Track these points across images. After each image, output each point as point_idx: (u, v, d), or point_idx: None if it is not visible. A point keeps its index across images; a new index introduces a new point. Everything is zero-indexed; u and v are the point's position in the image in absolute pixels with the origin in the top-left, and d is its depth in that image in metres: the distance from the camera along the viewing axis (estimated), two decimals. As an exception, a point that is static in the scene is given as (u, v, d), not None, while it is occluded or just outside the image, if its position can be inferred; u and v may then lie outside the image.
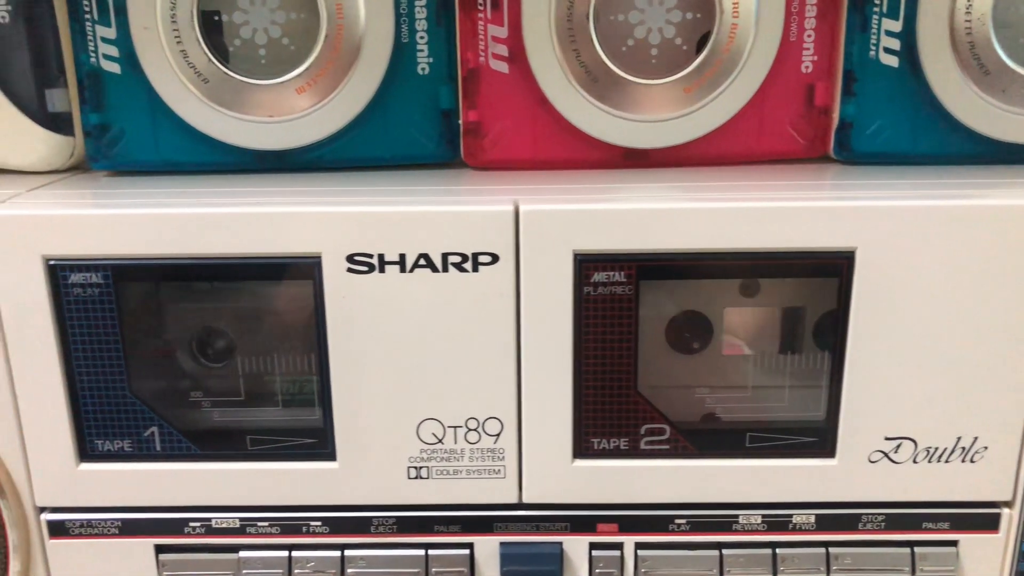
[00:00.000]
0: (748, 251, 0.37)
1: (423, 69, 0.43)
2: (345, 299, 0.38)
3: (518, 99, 0.43)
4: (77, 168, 0.46)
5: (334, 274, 0.37)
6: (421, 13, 0.42)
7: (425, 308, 0.38)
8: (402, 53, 0.42)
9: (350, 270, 0.37)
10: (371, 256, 0.37)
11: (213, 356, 0.40)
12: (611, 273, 0.37)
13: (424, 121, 0.44)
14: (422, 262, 0.37)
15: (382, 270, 0.37)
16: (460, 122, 0.44)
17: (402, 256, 0.37)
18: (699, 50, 0.42)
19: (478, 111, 0.43)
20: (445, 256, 0.37)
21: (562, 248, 0.37)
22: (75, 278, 0.38)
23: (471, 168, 0.45)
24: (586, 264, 0.37)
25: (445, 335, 0.38)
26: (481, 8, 0.41)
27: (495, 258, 0.37)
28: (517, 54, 0.42)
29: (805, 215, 0.37)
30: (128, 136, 0.43)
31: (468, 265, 0.37)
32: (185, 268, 0.38)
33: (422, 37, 0.42)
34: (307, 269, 0.38)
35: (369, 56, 0.42)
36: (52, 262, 0.37)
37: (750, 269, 0.38)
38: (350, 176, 0.44)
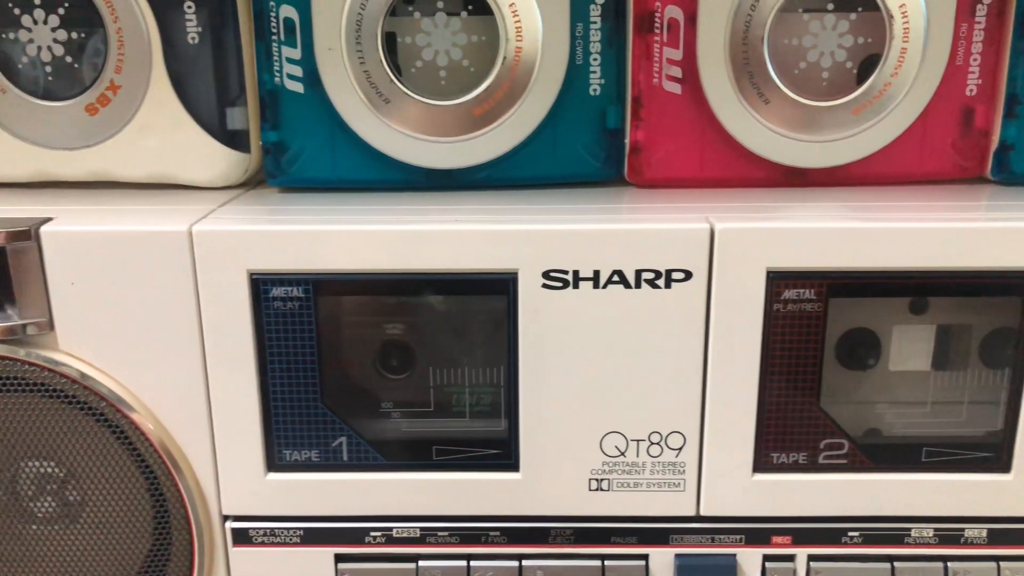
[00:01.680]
0: (929, 270, 0.38)
1: (594, 90, 0.44)
2: (538, 314, 0.39)
3: (688, 119, 0.44)
4: (247, 184, 0.47)
5: (529, 289, 0.38)
6: (595, 36, 0.43)
7: (616, 323, 0.39)
8: (575, 74, 0.44)
9: (545, 286, 0.38)
10: (566, 272, 0.38)
11: (405, 368, 0.41)
12: (801, 291, 0.38)
13: (591, 140, 0.45)
14: (616, 278, 0.38)
15: (576, 286, 0.38)
16: (626, 141, 0.45)
17: (596, 272, 0.38)
18: (862, 71, 0.43)
19: (646, 130, 0.44)
20: (639, 273, 0.38)
21: (755, 265, 0.38)
22: (276, 292, 0.39)
23: (632, 186, 0.46)
24: (778, 281, 0.38)
25: (634, 350, 0.39)
26: (658, 32, 0.43)
27: (688, 275, 0.38)
28: (690, 75, 0.43)
29: (995, 235, 0.38)
30: (307, 153, 0.44)
31: (661, 282, 0.38)
32: (384, 283, 0.39)
33: (595, 59, 0.44)
34: (503, 284, 0.39)
35: (544, 78, 0.43)
36: (256, 276, 0.39)
37: (932, 288, 0.39)
38: (517, 194, 0.45)
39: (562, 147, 0.45)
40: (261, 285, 0.39)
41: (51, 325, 0.39)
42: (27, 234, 0.38)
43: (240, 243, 0.38)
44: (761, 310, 0.38)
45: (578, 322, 0.39)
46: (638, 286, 0.38)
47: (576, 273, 0.38)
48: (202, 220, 0.39)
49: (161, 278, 0.39)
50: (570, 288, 0.38)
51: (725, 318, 0.39)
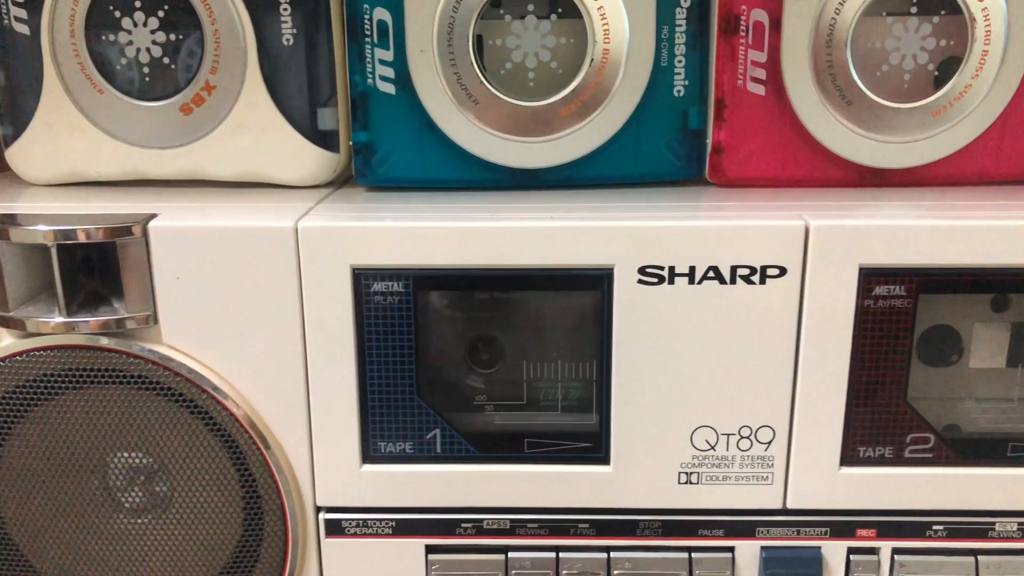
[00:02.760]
0: (1016, 267, 0.39)
1: (678, 91, 0.45)
2: (633, 309, 0.39)
3: (770, 120, 0.45)
4: (333, 184, 0.48)
5: (625, 285, 0.39)
6: (680, 38, 0.44)
7: (710, 319, 0.40)
8: (660, 76, 0.45)
9: (640, 281, 0.39)
10: (662, 268, 0.39)
11: (499, 362, 0.42)
12: (892, 287, 0.39)
13: (674, 140, 0.46)
14: (711, 274, 0.39)
15: (671, 282, 0.39)
16: (708, 141, 0.46)
17: (692, 268, 0.39)
18: (941, 73, 0.44)
19: (729, 131, 0.45)
20: (734, 269, 0.39)
21: (848, 262, 0.39)
22: (377, 286, 0.40)
23: (712, 185, 0.47)
24: (870, 278, 0.39)
25: (726, 345, 0.40)
26: (743, 34, 0.44)
27: (783, 271, 0.39)
28: (773, 77, 0.44)
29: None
30: (396, 153, 0.45)
31: (756, 278, 0.39)
32: (482, 278, 0.40)
33: (679, 61, 0.45)
34: (598, 280, 0.40)
35: (630, 79, 0.44)
36: (358, 271, 0.40)
37: (1017, 285, 0.40)
38: (599, 193, 0.46)
39: (645, 147, 0.46)
40: (363, 280, 0.40)
41: (155, 319, 0.40)
42: (135, 229, 0.39)
43: (344, 239, 0.39)
44: (852, 306, 0.39)
45: (672, 317, 0.40)
46: (733, 282, 0.39)
47: (672, 269, 0.39)
48: (305, 216, 0.40)
49: (266, 273, 0.40)
50: (665, 284, 0.39)
51: (817, 314, 0.39)
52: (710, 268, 0.39)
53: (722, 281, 0.39)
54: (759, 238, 0.39)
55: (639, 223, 0.39)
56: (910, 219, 0.39)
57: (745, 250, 0.39)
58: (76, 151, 0.46)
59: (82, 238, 0.39)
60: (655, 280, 0.39)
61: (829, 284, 0.39)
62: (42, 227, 0.39)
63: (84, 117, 0.46)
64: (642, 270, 0.39)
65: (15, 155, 0.47)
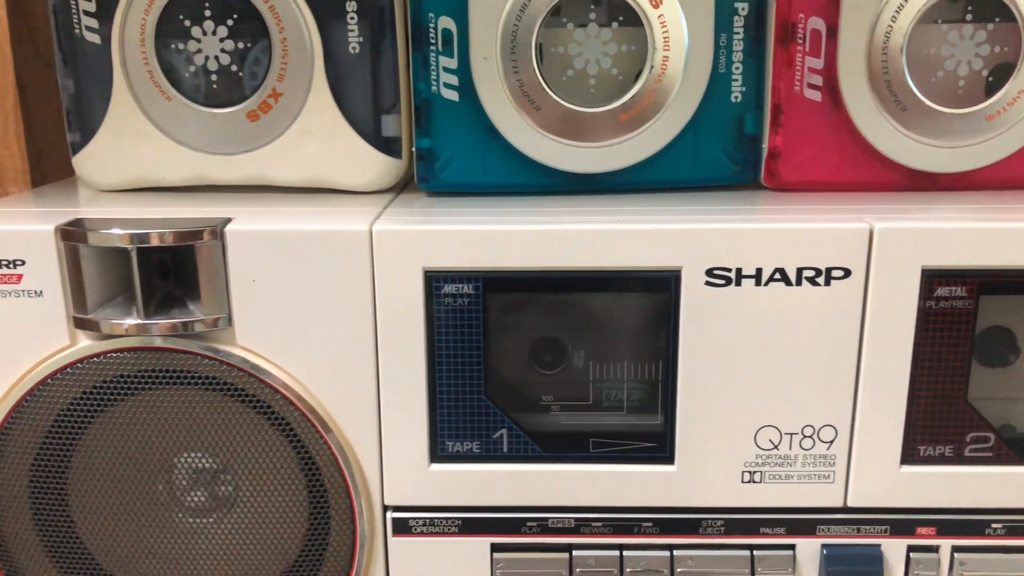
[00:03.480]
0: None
1: (735, 97, 0.46)
2: (700, 311, 0.40)
3: (827, 125, 0.46)
4: (393, 190, 0.49)
5: (692, 287, 0.40)
6: (738, 46, 0.45)
7: (775, 320, 0.40)
8: (717, 82, 0.45)
9: (708, 283, 0.40)
10: (729, 270, 0.40)
11: (565, 363, 0.42)
12: (954, 288, 0.40)
13: (731, 146, 0.47)
14: (777, 276, 0.40)
15: (738, 283, 0.40)
16: (764, 146, 0.46)
17: (758, 270, 0.40)
18: (994, 79, 0.45)
19: (785, 136, 0.46)
20: (800, 270, 0.40)
21: (911, 264, 0.39)
22: (448, 288, 0.41)
23: (766, 190, 0.48)
24: (932, 279, 0.40)
25: (791, 345, 0.41)
26: (800, 42, 0.44)
27: (847, 272, 0.40)
28: (829, 83, 0.45)
29: None
30: (459, 159, 0.46)
31: (821, 279, 0.40)
32: (551, 280, 0.41)
33: (737, 68, 0.45)
34: (666, 282, 0.40)
35: (688, 85, 0.45)
36: (430, 273, 0.40)
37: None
38: (655, 197, 0.46)
39: (702, 152, 0.46)
40: (434, 282, 0.41)
41: (229, 321, 0.41)
42: (212, 233, 0.40)
43: (417, 242, 0.40)
44: (915, 307, 0.40)
45: (738, 319, 0.40)
46: (799, 283, 0.40)
47: (739, 271, 0.40)
48: (378, 220, 0.41)
49: (340, 275, 0.40)
50: (732, 285, 0.40)
51: (880, 315, 0.40)
52: (776, 270, 0.40)
53: (788, 283, 0.40)
54: (825, 240, 0.39)
55: (707, 225, 0.40)
56: (971, 222, 0.39)
57: (811, 252, 0.40)
58: (143, 157, 0.47)
59: (161, 241, 0.40)
60: (722, 282, 0.40)
61: (892, 285, 0.40)
62: (121, 231, 0.40)
63: (152, 124, 0.47)
64: (709, 272, 0.40)
65: (82, 161, 0.48)
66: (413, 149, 0.47)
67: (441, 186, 0.47)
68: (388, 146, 0.47)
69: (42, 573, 0.45)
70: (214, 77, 0.46)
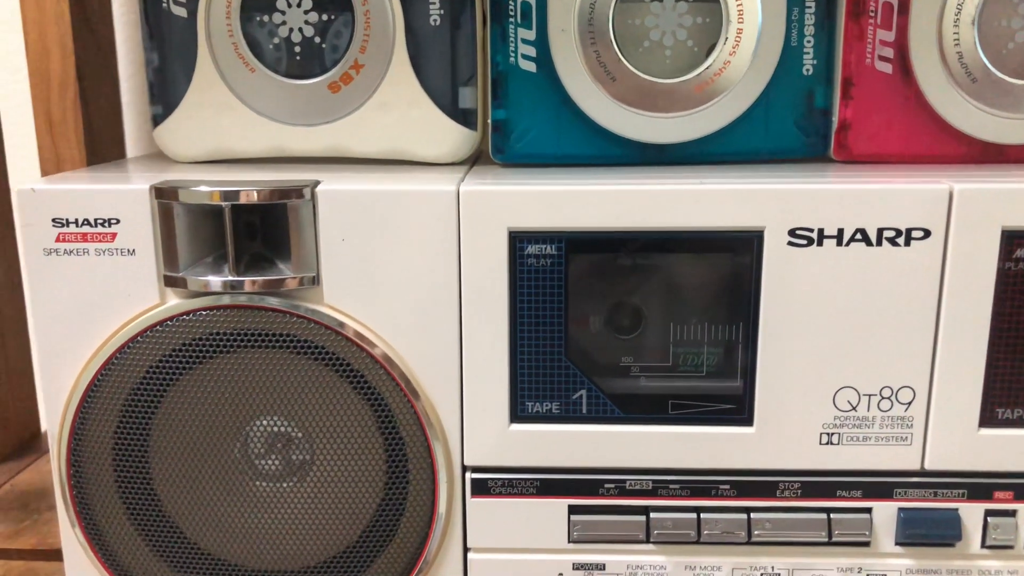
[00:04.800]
0: None
1: (807, 70, 0.47)
2: (782, 271, 0.41)
3: (897, 97, 0.46)
4: (466, 162, 0.50)
5: (775, 247, 0.41)
6: (810, 19, 0.46)
7: (855, 280, 0.41)
8: (789, 55, 0.46)
9: (790, 243, 0.41)
10: (811, 230, 0.41)
11: (646, 325, 0.43)
12: (1033, 249, 0.41)
13: (802, 118, 0.47)
14: (858, 236, 0.40)
15: (820, 244, 0.41)
16: (834, 119, 0.47)
17: (840, 231, 0.40)
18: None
19: (855, 108, 0.47)
20: (880, 231, 0.40)
21: (991, 224, 0.40)
22: (532, 249, 0.42)
23: (836, 162, 0.48)
24: (1012, 240, 0.40)
25: (871, 306, 0.41)
26: (872, 15, 0.45)
27: (927, 233, 0.40)
28: (900, 56, 0.46)
29: None
30: (534, 130, 0.47)
31: (901, 240, 0.40)
32: (633, 240, 0.42)
33: (808, 41, 0.46)
34: (748, 242, 0.41)
35: (761, 58, 0.46)
36: (514, 233, 0.41)
37: None
38: (727, 169, 0.47)
39: (774, 124, 0.47)
40: (518, 242, 0.41)
41: (318, 280, 0.42)
42: (304, 193, 0.41)
43: (503, 202, 0.41)
44: (994, 268, 0.41)
45: (820, 279, 0.41)
46: (879, 244, 0.40)
47: (821, 231, 0.40)
48: (463, 183, 0.42)
49: (427, 235, 0.41)
50: (814, 246, 0.41)
51: (959, 276, 0.41)
52: (858, 230, 0.40)
53: (868, 243, 0.40)
54: (905, 201, 0.40)
55: (791, 186, 0.40)
56: (1052, 182, 0.40)
57: (891, 213, 0.40)
58: (224, 129, 0.49)
59: (254, 199, 0.41)
60: (804, 242, 0.41)
61: (971, 246, 0.40)
62: (215, 189, 0.41)
63: (234, 95, 0.48)
64: (792, 232, 0.41)
65: (163, 133, 0.49)
66: (488, 121, 0.48)
67: (516, 157, 0.48)
68: (465, 118, 0.48)
69: (122, 533, 0.46)
70: (297, 49, 0.47)
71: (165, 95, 0.49)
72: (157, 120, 0.49)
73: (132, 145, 0.82)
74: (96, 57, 0.81)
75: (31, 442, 0.76)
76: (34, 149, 0.80)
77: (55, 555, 0.58)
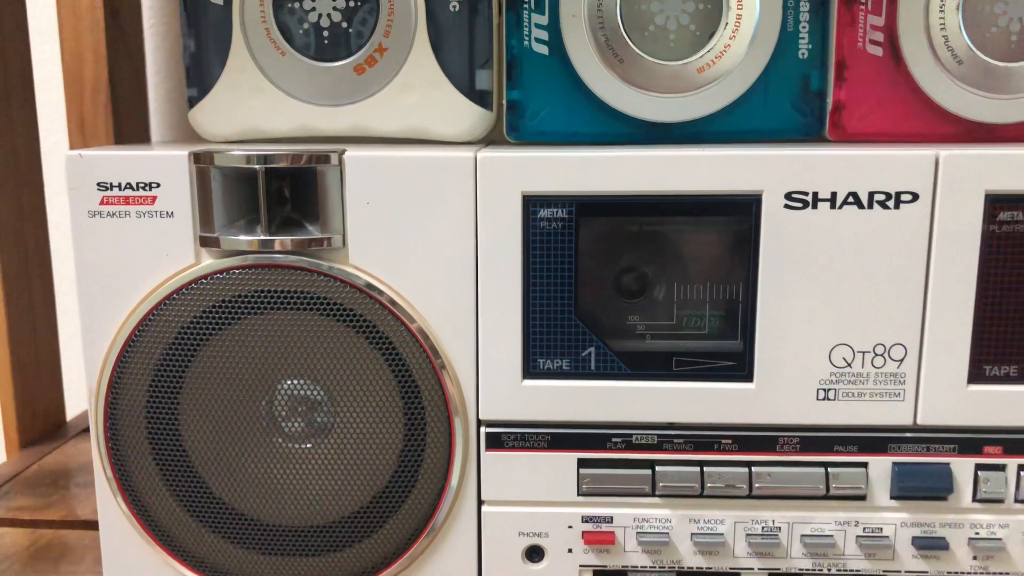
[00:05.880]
0: None
1: (802, 54, 0.50)
2: (779, 233, 0.44)
3: (888, 79, 0.49)
4: (481, 142, 0.53)
5: (772, 210, 0.44)
6: (804, 7, 0.49)
7: (848, 242, 0.44)
8: (786, 40, 0.49)
9: (787, 207, 0.43)
10: (807, 194, 0.43)
11: (652, 286, 0.46)
12: (1015, 212, 0.43)
13: (798, 100, 0.50)
14: (851, 200, 0.43)
15: (815, 207, 0.43)
16: (829, 100, 0.50)
17: (833, 194, 0.43)
18: (1041, 40, 0.49)
19: (848, 90, 0.50)
20: (872, 195, 0.43)
21: (975, 188, 0.43)
22: (544, 212, 0.44)
23: (831, 142, 0.51)
24: (995, 203, 0.43)
25: (863, 266, 0.44)
26: (863, 2, 0.49)
27: (915, 197, 0.43)
28: (891, 40, 0.49)
29: None
30: (546, 110, 0.50)
31: (891, 203, 0.43)
32: (639, 204, 0.44)
33: (804, 27, 0.50)
34: (747, 206, 0.44)
35: (760, 42, 0.49)
36: (528, 197, 0.44)
37: None
38: (727, 146, 0.50)
39: (772, 104, 0.50)
40: (531, 206, 0.44)
41: (344, 241, 0.45)
42: (332, 158, 0.44)
43: (517, 167, 0.44)
44: (979, 230, 0.43)
45: (815, 241, 0.44)
46: (870, 207, 0.43)
47: (815, 195, 0.43)
48: (480, 152, 0.45)
49: (446, 199, 0.44)
50: (809, 209, 0.43)
51: (946, 237, 0.43)
52: (850, 194, 0.43)
53: (860, 206, 0.43)
54: (894, 166, 0.43)
55: (787, 151, 0.43)
56: (1032, 148, 0.43)
57: (882, 177, 0.43)
58: (255, 109, 0.52)
59: (287, 163, 0.44)
60: (800, 205, 0.43)
61: (957, 209, 0.43)
62: (250, 152, 0.44)
63: (265, 78, 0.51)
64: (788, 195, 0.43)
65: (198, 114, 0.53)
66: (503, 102, 0.51)
67: (529, 135, 0.51)
68: (481, 99, 0.51)
69: (151, 486, 0.48)
70: (325, 34, 0.50)
71: (200, 79, 0.52)
72: (192, 102, 0.52)
73: (160, 144, 0.85)
74: (127, 63, 0.85)
75: (56, 431, 0.79)
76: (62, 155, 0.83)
77: (80, 525, 0.61)
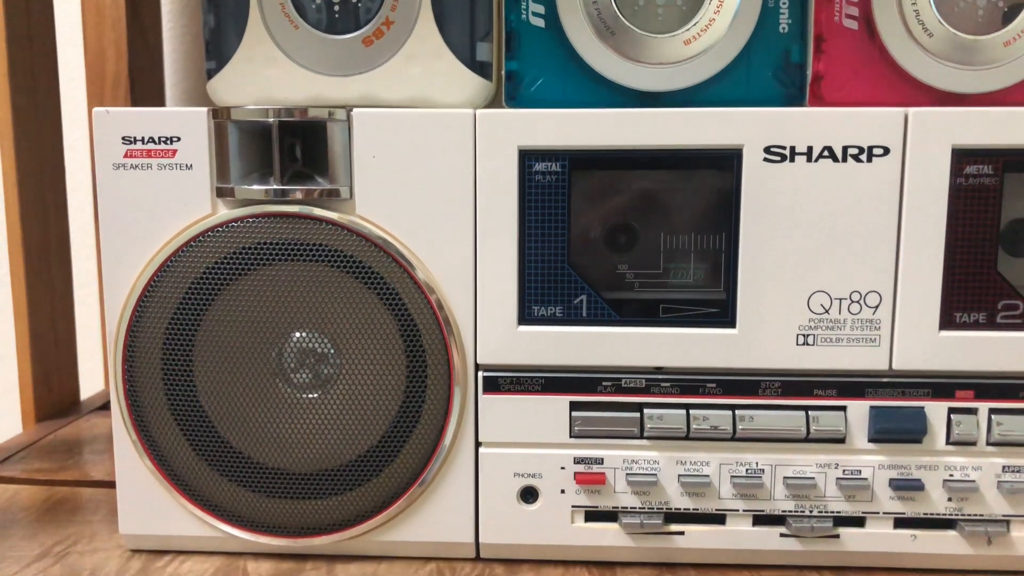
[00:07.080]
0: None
1: (783, 29, 0.53)
2: (759, 186, 0.46)
3: (863, 51, 0.52)
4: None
5: (752, 163, 0.46)
6: (785, -17, 0.53)
7: (825, 193, 0.46)
8: (767, 15, 0.53)
9: (766, 160, 0.46)
10: (784, 148, 0.46)
11: (640, 237, 0.48)
12: (981, 166, 0.46)
13: (780, 71, 0.54)
14: (826, 153, 0.46)
15: (792, 160, 0.46)
16: (808, 72, 0.53)
17: (810, 148, 0.46)
18: (1011, 10, 0.52)
19: (826, 61, 0.53)
20: (845, 148, 0.46)
21: (942, 143, 0.46)
22: (539, 166, 0.47)
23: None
24: (962, 157, 0.46)
25: (839, 217, 0.46)
26: (839, -22, 0.52)
27: (886, 151, 0.46)
28: (865, 14, 0.52)
29: None
30: (543, 79, 0.53)
31: (864, 156, 0.46)
32: (628, 158, 0.47)
33: (784, 3, 0.53)
34: (729, 159, 0.47)
35: (743, 16, 0.52)
36: (524, 151, 0.47)
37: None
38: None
39: (755, 75, 0.53)
40: (527, 160, 0.47)
41: (351, 192, 0.48)
42: (341, 115, 0.47)
43: (514, 123, 0.47)
44: (947, 184, 0.46)
45: (792, 192, 0.46)
46: (844, 160, 0.46)
47: (793, 148, 0.46)
48: (480, 110, 0.48)
49: (447, 153, 0.47)
50: (787, 162, 0.46)
51: (916, 190, 0.46)
52: (825, 147, 0.46)
53: (835, 159, 0.46)
54: (867, 121, 0.46)
55: (765, 108, 0.46)
56: (997, 107, 0.46)
57: (855, 132, 0.46)
58: (269, 80, 0.55)
59: (298, 116, 0.47)
60: (778, 159, 0.46)
61: (926, 163, 0.46)
62: (265, 107, 0.47)
63: (279, 50, 0.54)
64: (767, 149, 0.46)
65: (216, 84, 0.56)
66: (502, 72, 0.54)
67: (526, 104, 0.53)
68: (482, 69, 0.54)
69: (169, 436, 0.51)
70: (336, 8, 0.54)
71: (219, 52, 0.55)
72: (211, 74, 0.56)
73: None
74: (146, 61, 0.89)
75: (71, 407, 0.81)
76: (85, 150, 0.87)
77: (94, 484, 0.63)
